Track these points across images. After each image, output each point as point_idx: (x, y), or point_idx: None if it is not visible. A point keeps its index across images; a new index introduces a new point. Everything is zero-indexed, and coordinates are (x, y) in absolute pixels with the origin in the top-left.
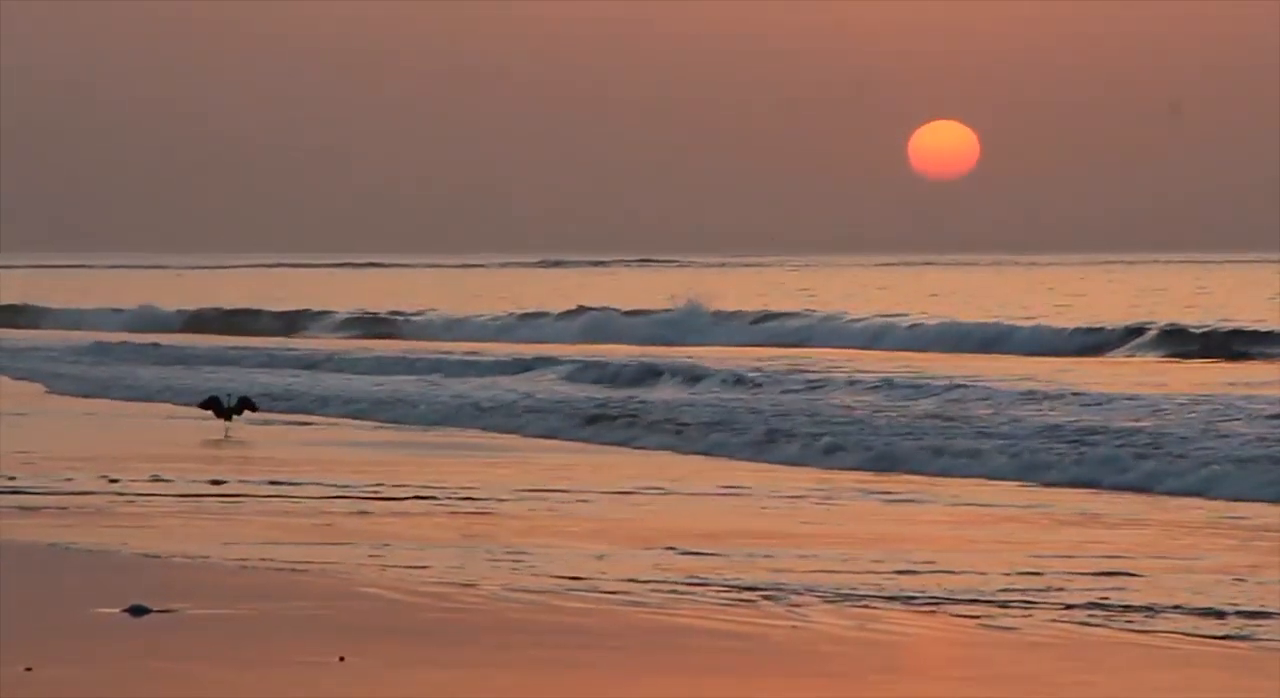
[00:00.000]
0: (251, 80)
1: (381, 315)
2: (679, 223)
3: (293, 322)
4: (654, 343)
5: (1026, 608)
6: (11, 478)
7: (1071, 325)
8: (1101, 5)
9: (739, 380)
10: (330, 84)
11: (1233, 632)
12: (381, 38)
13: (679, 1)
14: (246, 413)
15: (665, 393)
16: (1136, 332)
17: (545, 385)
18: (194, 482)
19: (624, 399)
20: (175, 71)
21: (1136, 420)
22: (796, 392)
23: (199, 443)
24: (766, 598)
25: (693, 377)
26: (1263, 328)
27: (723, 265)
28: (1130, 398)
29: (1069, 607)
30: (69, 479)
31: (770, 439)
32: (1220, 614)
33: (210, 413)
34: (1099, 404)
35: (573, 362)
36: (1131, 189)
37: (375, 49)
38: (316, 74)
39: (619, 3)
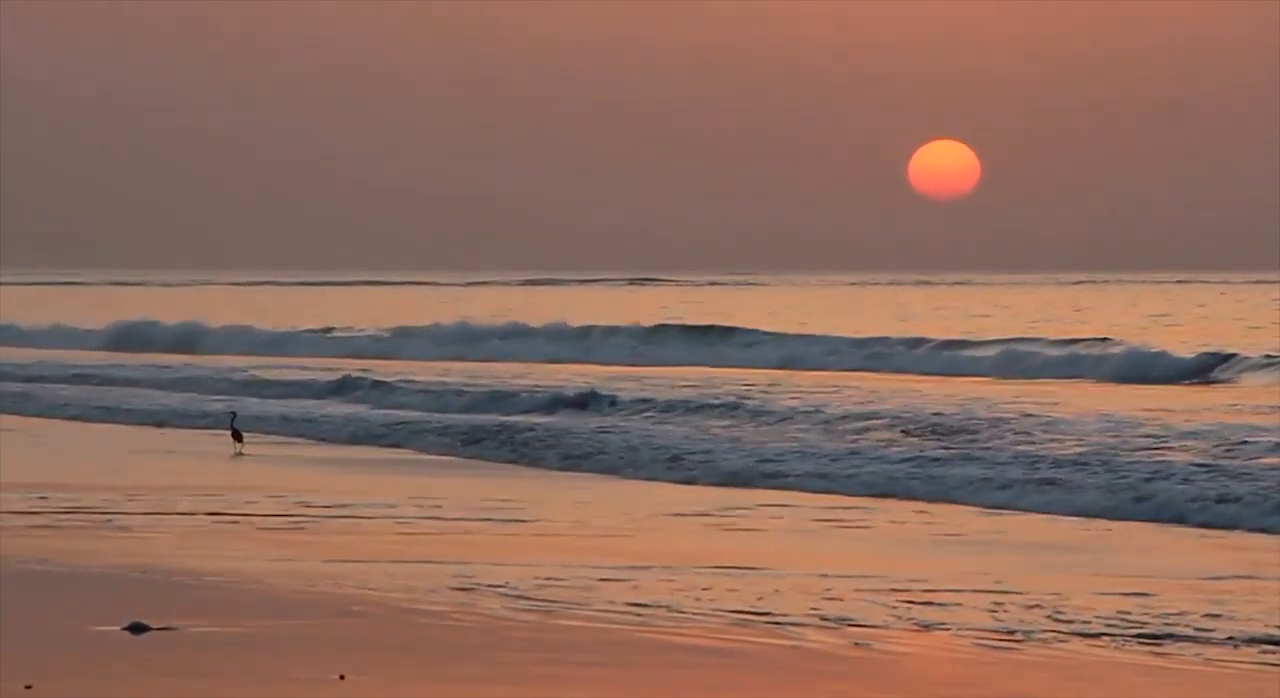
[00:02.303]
0: (235, 89)
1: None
2: (675, 241)
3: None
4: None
5: (1027, 628)
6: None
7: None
8: (1103, 25)
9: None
10: (315, 98)
11: (1217, 656)
12: (367, 47)
13: (674, 16)
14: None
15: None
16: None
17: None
18: (193, 499)
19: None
20: (167, 79)
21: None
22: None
23: (194, 463)
24: (763, 618)
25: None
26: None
27: (715, 284)
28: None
29: (1072, 627)
30: (66, 497)
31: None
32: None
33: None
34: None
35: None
36: (1134, 208)
37: (363, 61)
38: (296, 87)
39: (613, 17)
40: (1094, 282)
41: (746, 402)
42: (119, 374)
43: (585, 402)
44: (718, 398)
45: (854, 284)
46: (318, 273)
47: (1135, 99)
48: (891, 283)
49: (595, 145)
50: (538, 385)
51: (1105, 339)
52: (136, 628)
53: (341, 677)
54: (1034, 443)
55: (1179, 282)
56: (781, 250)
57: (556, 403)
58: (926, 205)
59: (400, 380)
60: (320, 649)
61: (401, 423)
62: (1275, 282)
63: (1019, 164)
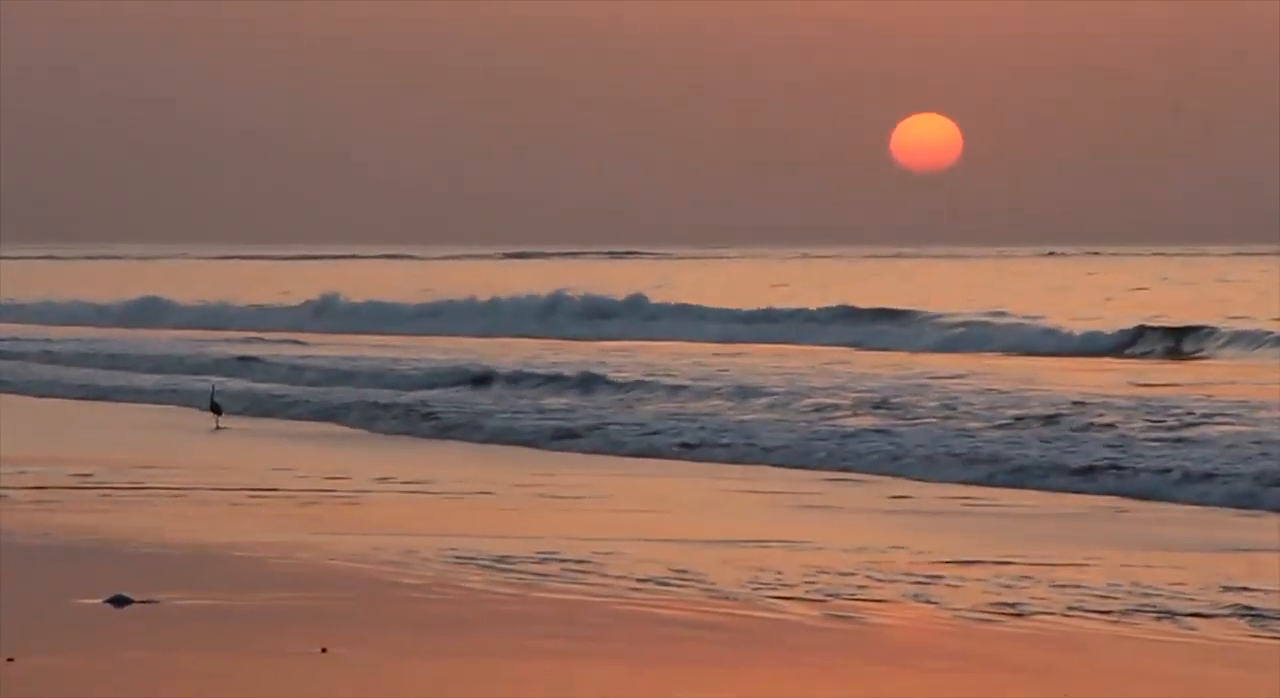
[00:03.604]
0: (236, 75)
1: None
2: (660, 215)
3: None
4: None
5: (1012, 601)
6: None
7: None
8: (1088, 3)
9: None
10: (313, 79)
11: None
12: (363, 33)
13: None
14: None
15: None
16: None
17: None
18: (173, 473)
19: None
20: (172, 67)
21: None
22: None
23: (177, 437)
24: (747, 591)
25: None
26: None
27: (695, 257)
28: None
29: (1061, 600)
30: (47, 471)
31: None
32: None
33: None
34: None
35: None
36: (1115, 182)
37: (357, 44)
38: (298, 68)
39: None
40: (1068, 255)
41: (660, 377)
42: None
43: (487, 379)
44: (640, 373)
45: (830, 257)
46: (305, 247)
47: (1118, 74)
48: (869, 257)
49: (579, 121)
50: (437, 360)
51: (1038, 316)
52: (119, 601)
53: (324, 650)
54: (972, 416)
55: (1156, 254)
56: (765, 224)
57: (454, 378)
58: (909, 179)
59: (283, 356)
60: (302, 622)
61: (344, 402)
62: (1258, 254)
63: (1002, 138)
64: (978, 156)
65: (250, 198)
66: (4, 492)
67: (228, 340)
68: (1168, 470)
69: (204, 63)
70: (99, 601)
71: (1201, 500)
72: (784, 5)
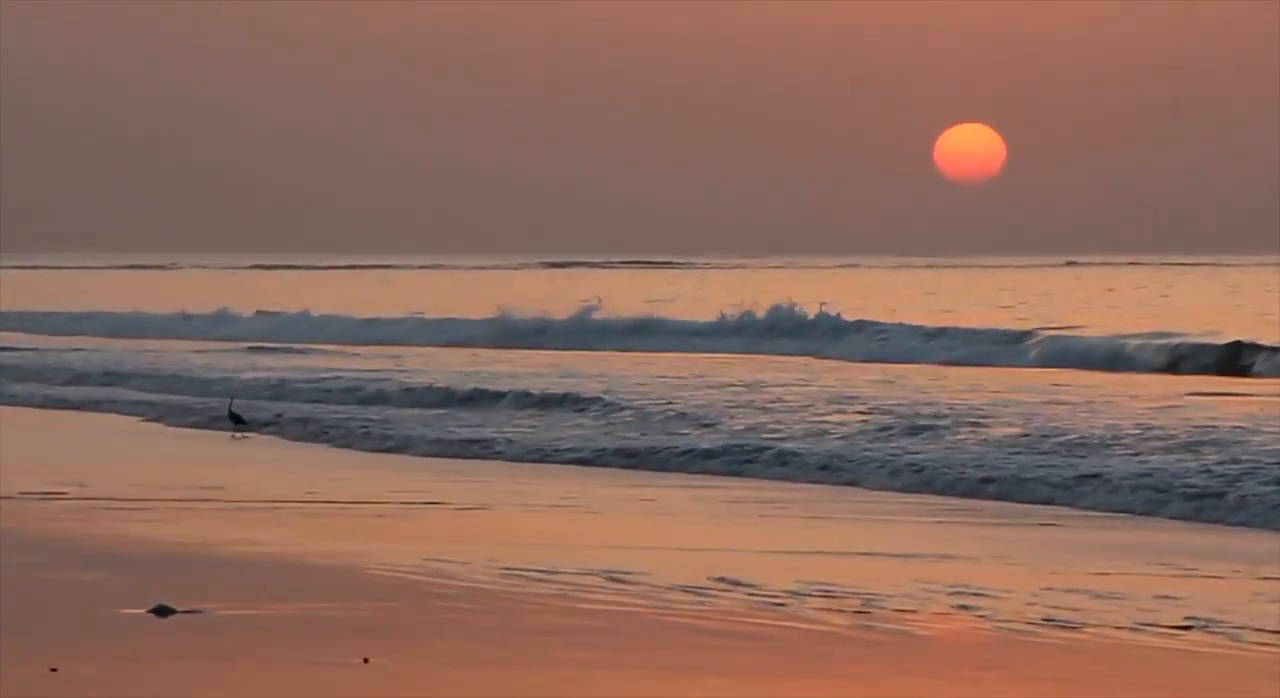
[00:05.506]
0: (248, 75)
1: None
2: (700, 224)
3: None
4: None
5: (1053, 615)
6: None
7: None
8: (1130, 8)
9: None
10: (335, 80)
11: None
12: (384, 32)
13: (703, 2)
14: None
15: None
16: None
17: None
18: (214, 484)
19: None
20: (184, 66)
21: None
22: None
23: (205, 448)
24: (784, 601)
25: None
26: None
27: (741, 266)
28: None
29: (1102, 613)
30: (88, 482)
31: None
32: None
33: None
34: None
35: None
36: (1156, 192)
37: (378, 44)
38: (317, 69)
39: (645, 3)
40: (1112, 265)
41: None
42: None
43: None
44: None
45: (875, 268)
46: (341, 257)
47: (1161, 84)
48: (901, 266)
49: (622, 129)
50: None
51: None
52: (162, 611)
53: (366, 660)
54: (1005, 431)
55: (1206, 264)
56: (807, 233)
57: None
58: (953, 189)
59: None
60: (345, 632)
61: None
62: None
63: (1044, 148)
64: (1021, 166)
65: (271, 207)
66: (45, 502)
67: (249, 351)
68: (1207, 487)
69: (226, 63)
70: (142, 610)
71: (1249, 521)
72: (824, 13)
